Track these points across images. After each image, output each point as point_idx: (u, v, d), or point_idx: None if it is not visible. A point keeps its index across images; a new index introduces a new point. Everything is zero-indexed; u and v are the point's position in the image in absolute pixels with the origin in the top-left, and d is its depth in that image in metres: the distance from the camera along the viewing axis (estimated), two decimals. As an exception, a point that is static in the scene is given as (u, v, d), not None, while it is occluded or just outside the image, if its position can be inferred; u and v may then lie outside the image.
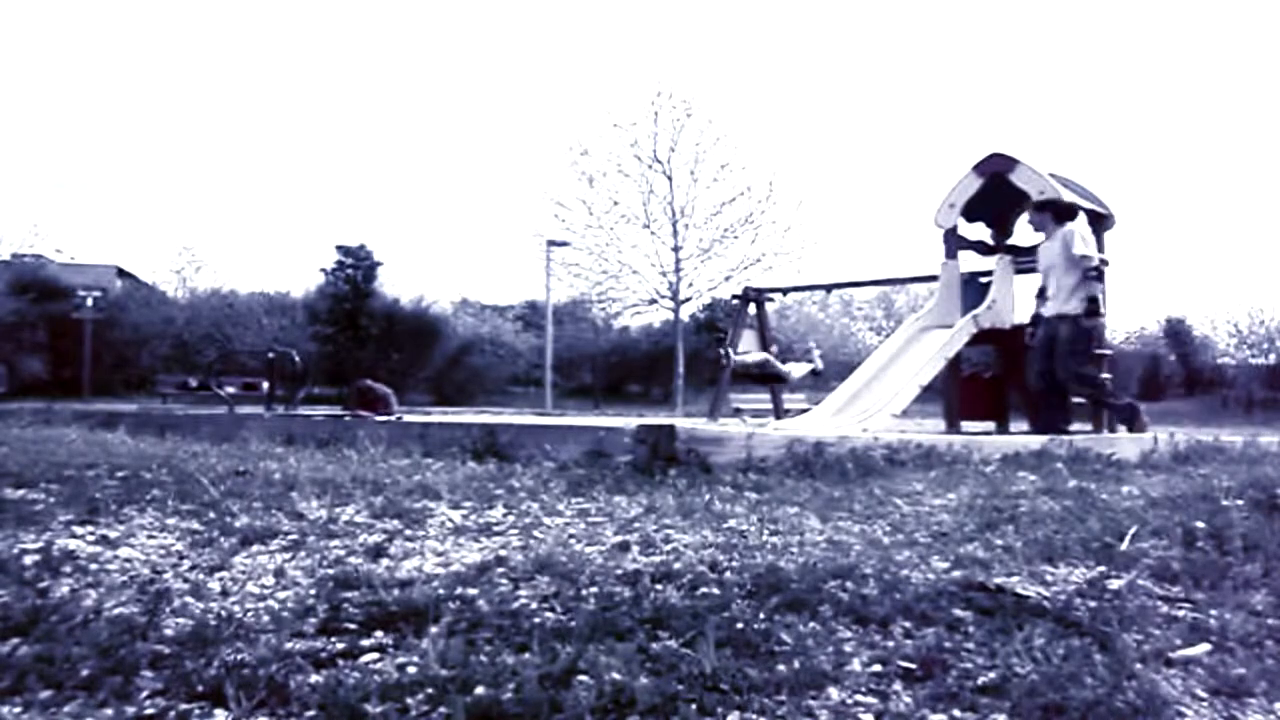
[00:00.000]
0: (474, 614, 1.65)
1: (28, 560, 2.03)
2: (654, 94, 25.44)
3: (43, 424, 7.28)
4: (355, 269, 30.79)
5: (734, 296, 11.35)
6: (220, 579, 1.95)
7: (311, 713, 1.23)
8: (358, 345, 28.69)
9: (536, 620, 1.63)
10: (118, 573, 1.98)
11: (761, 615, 1.67)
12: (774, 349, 10.66)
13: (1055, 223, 6.59)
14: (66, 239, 61.47)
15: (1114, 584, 2.01)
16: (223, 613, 1.65)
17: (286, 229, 64.68)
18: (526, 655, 1.42)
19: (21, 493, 3.10)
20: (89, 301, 26.52)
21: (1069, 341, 6.43)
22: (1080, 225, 6.60)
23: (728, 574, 1.99)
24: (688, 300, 24.84)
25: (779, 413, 10.17)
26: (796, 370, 10.43)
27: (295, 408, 11.31)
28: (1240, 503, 3.15)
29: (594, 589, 1.85)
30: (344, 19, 68.69)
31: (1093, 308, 6.32)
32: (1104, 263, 6.41)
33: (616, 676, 1.32)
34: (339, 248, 31.11)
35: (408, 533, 2.52)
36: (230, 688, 1.27)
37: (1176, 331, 34.03)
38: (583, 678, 1.33)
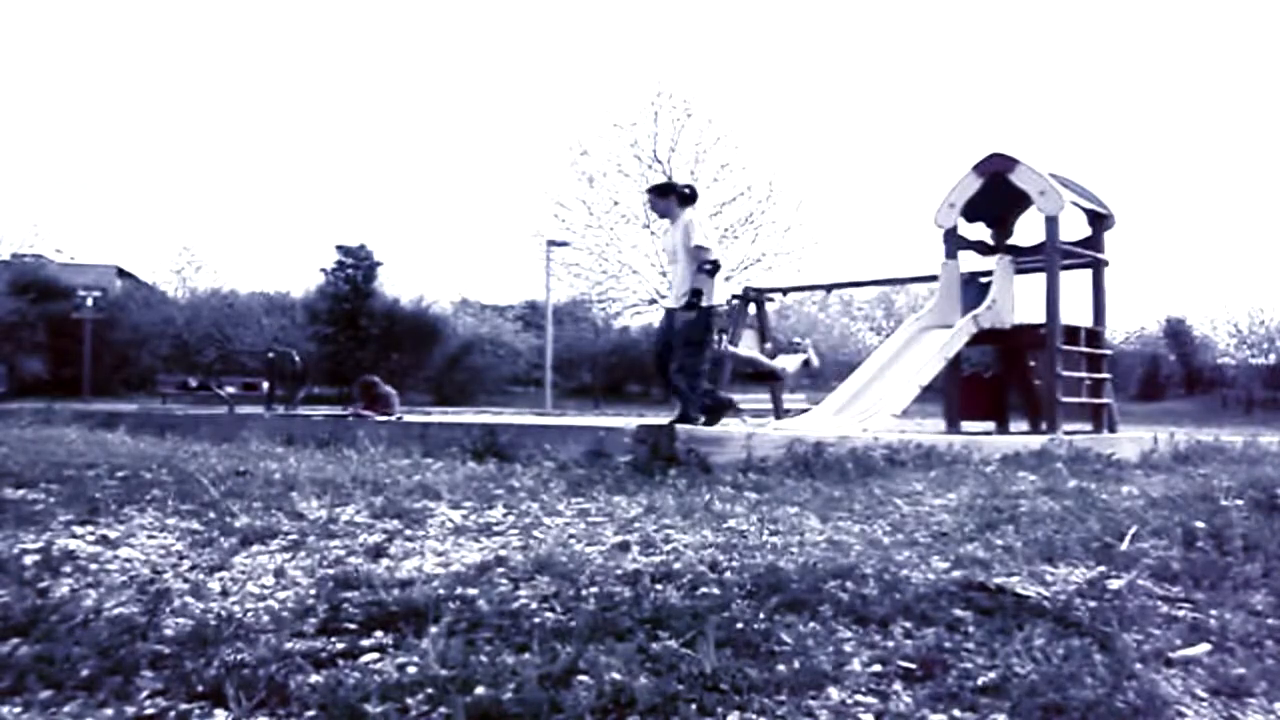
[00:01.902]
0: (474, 614, 1.65)
1: (28, 560, 2.03)
2: (654, 94, 25.46)
3: (43, 424, 7.28)
4: (355, 269, 30.78)
5: (734, 296, 11.34)
6: (220, 579, 1.95)
7: (311, 713, 1.23)
8: (358, 345, 28.69)
9: (536, 620, 1.63)
10: (118, 573, 1.98)
11: (761, 615, 1.67)
12: (768, 346, 10.55)
13: (679, 207, 6.05)
14: (66, 239, 61.44)
15: (1114, 584, 2.01)
16: (223, 613, 1.65)
17: (286, 229, 64.64)
18: (526, 655, 1.42)
19: (21, 493, 3.10)
20: (89, 301, 26.52)
21: (683, 333, 6.16)
22: (699, 214, 6.07)
23: (728, 574, 1.99)
24: (688, 300, 24.80)
25: (779, 413, 10.17)
26: (789, 363, 10.35)
27: (295, 408, 11.31)
28: (1240, 503, 3.15)
29: (594, 589, 1.85)
30: (344, 19, 68.71)
31: (694, 300, 6.04)
32: (715, 264, 5.95)
33: (616, 676, 1.32)
34: (339, 248, 31.12)
35: (408, 533, 2.52)
36: (230, 688, 1.27)
37: (1176, 331, 34.05)
38: (583, 678, 1.33)
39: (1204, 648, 1.57)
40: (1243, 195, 58.11)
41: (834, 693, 1.34)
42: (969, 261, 8.20)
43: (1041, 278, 7.58)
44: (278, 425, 6.20)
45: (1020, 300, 7.71)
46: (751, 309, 10.58)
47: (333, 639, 1.53)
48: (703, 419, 5.83)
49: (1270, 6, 45.92)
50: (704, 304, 5.91)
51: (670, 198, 6.11)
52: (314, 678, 1.34)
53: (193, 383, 18.68)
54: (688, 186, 6.21)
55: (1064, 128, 58.65)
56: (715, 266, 5.81)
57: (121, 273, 35.04)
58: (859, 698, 1.33)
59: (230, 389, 14.35)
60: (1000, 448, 5.14)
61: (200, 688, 1.29)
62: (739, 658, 1.44)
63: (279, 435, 5.73)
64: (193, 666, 1.36)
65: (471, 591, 1.82)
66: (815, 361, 10.60)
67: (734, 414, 6.48)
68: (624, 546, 2.33)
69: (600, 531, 2.56)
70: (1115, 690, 1.34)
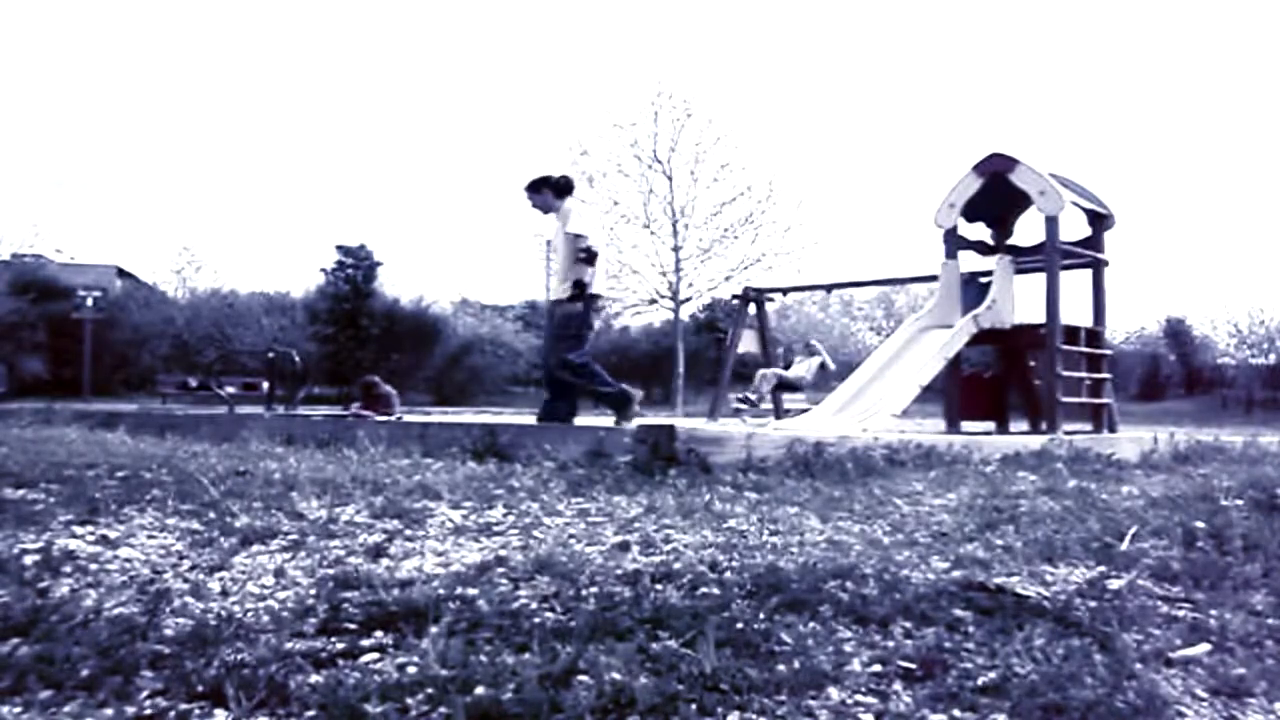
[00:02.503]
0: (474, 614, 1.65)
1: (28, 560, 2.03)
2: (654, 94, 25.40)
3: (43, 424, 7.28)
4: (355, 269, 30.79)
5: (734, 296, 11.36)
6: (220, 579, 1.95)
7: (311, 713, 1.23)
8: (358, 345, 28.70)
9: (536, 620, 1.63)
10: (118, 573, 1.98)
11: (761, 615, 1.67)
12: (779, 352, 10.65)
13: (557, 199, 6.07)
14: (66, 239, 61.50)
15: (1114, 584, 2.01)
16: (223, 613, 1.65)
17: (286, 229, 64.68)
18: (526, 655, 1.42)
19: (21, 493, 3.10)
20: (89, 301, 26.51)
21: (559, 327, 6.06)
22: (577, 203, 6.10)
23: (728, 574, 1.99)
24: (688, 300, 24.84)
25: (779, 413, 10.17)
26: (806, 369, 10.48)
27: (295, 408, 11.32)
28: (1240, 503, 3.15)
29: (594, 589, 1.85)
30: (344, 19, 68.70)
31: (577, 292, 5.82)
32: (591, 251, 5.78)
33: (616, 676, 1.32)
34: (339, 248, 31.13)
35: (408, 533, 2.52)
36: (230, 688, 1.27)
37: (1176, 331, 34.04)
38: (583, 678, 1.33)
39: (1204, 648, 1.57)
40: (1243, 195, 58.11)
41: (834, 693, 1.34)
42: (969, 261, 8.20)
43: (1041, 278, 7.59)
44: (278, 425, 6.20)
45: (1020, 300, 7.72)
46: (751, 309, 10.59)
47: (333, 639, 1.53)
48: (622, 412, 5.79)
49: (1270, 6, 45.90)
50: (585, 293, 5.87)
51: (545, 191, 6.09)
52: (314, 678, 1.34)
53: (193, 383, 18.70)
54: (562, 177, 6.15)
55: (1064, 128, 58.64)
56: (592, 254, 5.75)
57: (121, 273, 35.05)
58: (859, 698, 1.33)
59: (230, 389, 14.36)
60: (1000, 448, 5.14)
61: (200, 688, 1.29)
62: (739, 658, 1.44)
63: (279, 435, 5.72)
64: (193, 666, 1.36)
65: (471, 591, 1.82)
66: (831, 365, 10.68)
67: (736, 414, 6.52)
68: (624, 546, 2.33)
69: (600, 531, 2.56)
70: (1115, 690, 1.34)
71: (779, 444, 4.37)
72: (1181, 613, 1.81)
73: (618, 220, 23.99)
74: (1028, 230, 8.34)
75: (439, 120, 67.84)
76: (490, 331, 32.63)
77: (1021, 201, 7.89)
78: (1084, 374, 7.73)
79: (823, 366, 10.72)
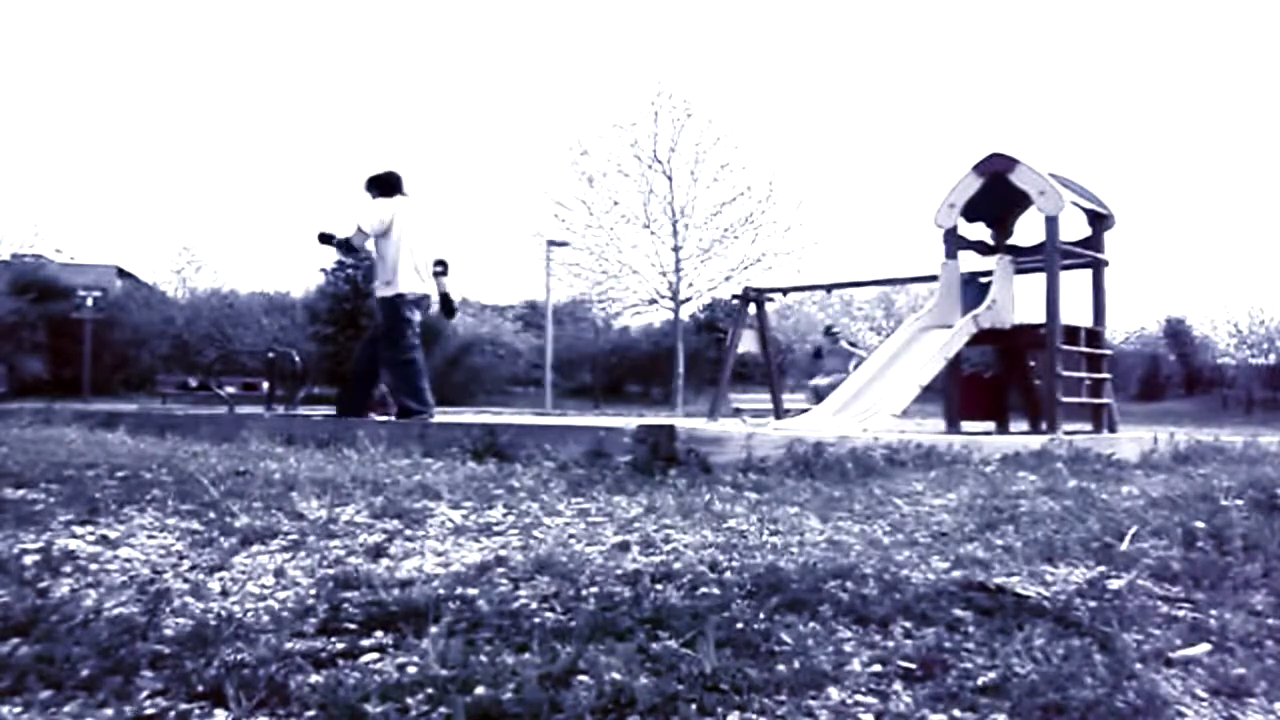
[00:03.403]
0: (474, 614, 1.65)
1: (28, 560, 2.03)
2: (654, 94, 25.43)
3: (43, 424, 7.27)
4: (355, 269, 30.76)
5: (734, 296, 11.37)
6: (220, 579, 1.95)
7: (311, 713, 1.23)
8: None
9: (536, 620, 1.63)
10: (118, 573, 1.98)
11: (761, 615, 1.67)
12: (816, 344, 10.99)
13: (373, 197, 6.47)
14: (66, 239, 61.50)
15: (1114, 584, 2.01)
16: (223, 613, 1.65)
17: (286, 229, 64.67)
18: (526, 655, 1.42)
19: (21, 493, 3.09)
20: (89, 301, 26.52)
21: (382, 328, 6.36)
22: (379, 199, 6.46)
23: (728, 574, 1.99)
24: (688, 300, 24.85)
25: (779, 413, 10.18)
26: (843, 365, 10.69)
27: (295, 408, 11.31)
28: (1240, 503, 3.15)
29: (594, 589, 1.85)
30: (343, 19, 68.75)
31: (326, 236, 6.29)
32: (343, 241, 6.30)
33: (616, 676, 1.32)
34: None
35: (408, 533, 2.52)
36: (230, 688, 1.27)
37: (1176, 331, 34.08)
38: (583, 678, 1.33)
39: (1204, 648, 1.57)
40: (1243, 195, 58.14)
41: (834, 693, 1.34)
42: (969, 261, 8.20)
43: (1041, 278, 7.58)
44: (278, 425, 6.19)
45: (1020, 300, 7.72)
46: (751, 309, 10.60)
47: (333, 639, 1.53)
48: (425, 413, 6.02)
49: (1270, 6, 45.92)
50: (390, 293, 6.26)
51: (371, 190, 6.50)
52: (314, 678, 1.34)
53: (193, 383, 18.71)
54: (385, 174, 6.46)
55: (1064, 128, 58.67)
56: (342, 243, 6.25)
57: (121, 273, 35.05)
58: (859, 698, 1.33)
59: (230, 389, 14.35)
60: (1000, 448, 5.14)
61: (200, 688, 1.29)
62: (739, 658, 1.44)
63: (279, 435, 5.72)
64: (193, 666, 1.36)
65: (471, 591, 1.82)
66: (863, 353, 10.82)
67: (734, 415, 6.57)
68: (624, 546, 2.33)
69: (600, 531, 2.56)
70: (1115, 690, 1.34)
71: (779, 444, 4.37)
72: (1181, 613, 1.81)
73: (618, 220, 23.99)
74: (1028, 230, 8.35)
75: (439, 120, 67.89)
76: (490, 331, 32.63)
77: (1021, 201, 7.89)
78: (1084, 374, 7.72)
79: (850, 356, 10.88)
